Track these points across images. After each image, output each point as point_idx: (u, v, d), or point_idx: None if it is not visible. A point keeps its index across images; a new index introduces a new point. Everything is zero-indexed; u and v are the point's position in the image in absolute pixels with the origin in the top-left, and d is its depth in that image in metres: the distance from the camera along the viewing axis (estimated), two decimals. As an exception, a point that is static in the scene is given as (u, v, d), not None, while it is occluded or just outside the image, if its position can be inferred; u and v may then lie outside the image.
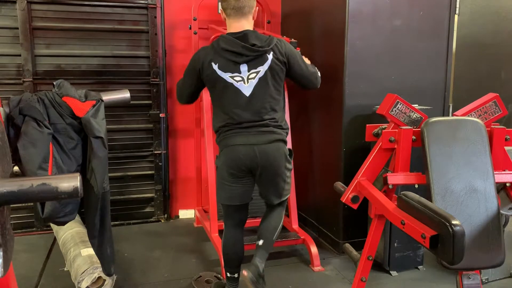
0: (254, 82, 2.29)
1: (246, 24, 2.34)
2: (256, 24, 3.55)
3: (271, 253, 3.11)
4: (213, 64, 2.29)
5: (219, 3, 2.83)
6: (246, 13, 2.33)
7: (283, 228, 3.53)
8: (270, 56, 2.30)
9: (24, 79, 3.56)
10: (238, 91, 2.29)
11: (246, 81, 2.29)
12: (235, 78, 2.29)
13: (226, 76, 2.28)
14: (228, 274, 2.56)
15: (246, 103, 2.30)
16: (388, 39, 3.27)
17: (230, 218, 2.54)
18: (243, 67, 2.28)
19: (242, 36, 2.28)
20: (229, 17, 2.35)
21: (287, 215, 3.62)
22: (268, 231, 2.53)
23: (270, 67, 2.31)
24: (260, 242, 2.50)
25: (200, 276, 2.91)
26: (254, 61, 2.29)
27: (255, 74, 2.29)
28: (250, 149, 2.31)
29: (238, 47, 2.25)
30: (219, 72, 2.28)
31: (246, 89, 2.29)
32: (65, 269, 2.93)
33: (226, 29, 2.96)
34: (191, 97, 2.54)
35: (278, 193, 2.49)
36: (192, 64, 2.40)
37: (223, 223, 3.47)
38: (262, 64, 2.29)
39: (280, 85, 2.39)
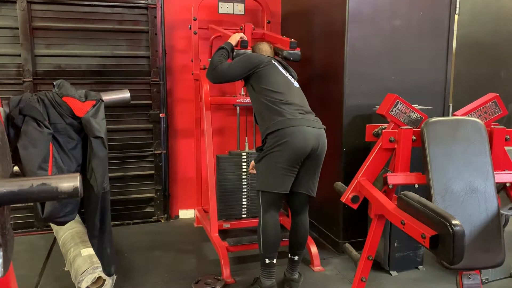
0: (297, 84, 2.87)
1: None
2: (256, 24, 3.57)
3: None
4: (272, 60, 2.84)
5: (219, 3, 3.63)
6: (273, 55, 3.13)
7: (283, 227, 3.54)
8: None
9: (24, 79, 3.57)
10: (291, 82, 2.81)
11: (293, 79, 2.87)
12: (286, 74, 2.85)
13: (283, 70, 2.84)
14: (268, 261, 2.67)
15: (297, 92, 2.78)
16: (388, 39, 3.27)
17: (274, 204, 2.69)
18: (289, 74, 2.87)
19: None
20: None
21: (287, 215, 3.62)
22: (302, 246, 2.82)
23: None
24: (296, 258, 2.82)
25: (200, 280, 2.91)
26: (295, 79, 2.91)
27: (294, 81, 2.87)
28: (316, 132, 2.63)
29: (287, 65, 2.95)
30: (279, 67, 2.83)
31: (295, 83, 2.85)
32: (65, 269, 2.93)
33: (226, 29, 3.57)
34: (225, 82, 2.99)
35: (316, 182, 2.76)
36: (250, 59, 2.83)
37: (223, 223, 3.52)
38: (296, 81, 2.91)
39: None
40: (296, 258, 2.82)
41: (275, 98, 2.64)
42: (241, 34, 3.12)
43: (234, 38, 3.06)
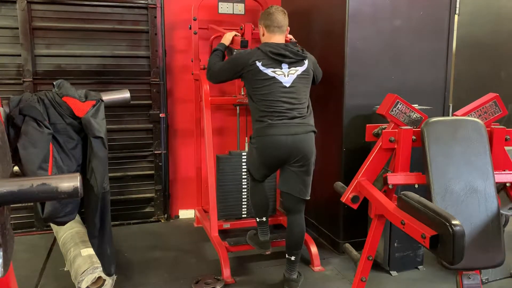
0: (293, 77, 2.69)
1: (283, 39, 2.83)
2: (256, 24, 3.57)
3: (271, 253, 3.11)
4: (256, 62, 2.67)
5: (219, 3, 3.65)
6: (284, 30, 2.83)
7: (283, 227, 3.55)
8: (307, 62, 2.77)
9: (24, 79, 3.56)
10: (279, 82, 2.67)
11: (286, 75, 2.68)
12: (276, 72, 2.67)
13: (268, 70, 2.66)
14: (258, 219, 3.01)
15: (285, 93, 2.67)
16: (388, 39, 3.27)
17: (258, 178, 2.91)
18: (284, 66, 2.69)
19: (286, 45, 2.75)
20: (272, 32, 2.78)
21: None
22: (298, 246, 2.83)
23: (306, 70, 2.75)
24: (293, 258, 2.83)
25: (200, 280, 2.91)
26: (295, 63, 2.71)
27: (294, 71, 2.71)
28: (290, 139, 2.63)
29: (284, 51, 2.68)
30: (262, 68, 2.66)
31: (286, 81, 2.68)
32: (65, 269, 2.93)
33: (226, 29, 3.46)
34: (222, 82, 3.05)
35: (306, 185, 2.75)
36: (234, 62, 2.80)
37: (223, 223, 3.52)
38: (301, 66, 2.73)
39: (309, 86, 2.81)
40: (293, 258, 2.82)
41: (259, 106, 2.70)
42: (233, 33, 3.14)
43: (227, 38, 3.09)
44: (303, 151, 2.66)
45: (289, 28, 2.91)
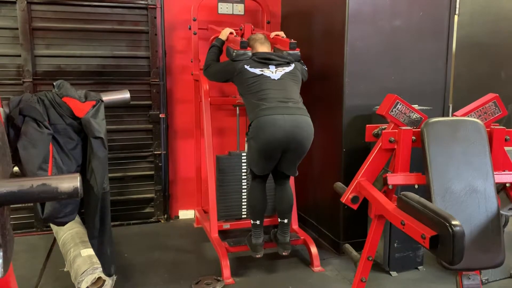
0: (280, 73, 2.89)
1: (268, 49, 3.16)
2: (255, 25, 3.57)
3: (271, 253, 3.11)
4: (245, 65, 2.90)
5: (218, 3, 3.79)
6: (268, 45, 3.18)
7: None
8: (293, 65, 2.99)
9: (24, 80, 3.57)
10: (267, 77, 2.85)
11: (274, 72, 2.88)
12: (263, 71, 2.87)
13: (256, 70, 2.87)
14: (252, 222, 3.01)
15: (275, 84, 2.83)
16: (388, 39, 3.27)
17: (260, 177, 2.98)
18: (272, 67, 2.90)
19: (273, 52, 3.09)
20: (257, 46, 3.11)
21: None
22: (289, 209, 3.03)
23: (293, 70, 2.96)
24: (286, 221, 3.00)
25: (200, 280, 2.91)
26: (282, 65, 2.93)
27: (281, 69, 2.91)
28: (288, 120, 2.70)
29: (269, 55, 2.95)
30: (250, 69, 2.88)
31: (274, 76, 2.87)
32: (65, 269, 2.93)
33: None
34: (217, 81, 3.34)
35: (296, 165, 2.92)
36: (225, 69, 3.02)
37: (223, 223, 3.52)
38: (288, 67, 2.95)
39: (298, 83, 2.96)
40: (285, 221, 3.00)
41: (251, 98, 2.83)
42: (231, 30, 3.26)
43: (224, 34, 3.24)
44: (301, 133, 2.73)
45: (284, 36, 3.27)
